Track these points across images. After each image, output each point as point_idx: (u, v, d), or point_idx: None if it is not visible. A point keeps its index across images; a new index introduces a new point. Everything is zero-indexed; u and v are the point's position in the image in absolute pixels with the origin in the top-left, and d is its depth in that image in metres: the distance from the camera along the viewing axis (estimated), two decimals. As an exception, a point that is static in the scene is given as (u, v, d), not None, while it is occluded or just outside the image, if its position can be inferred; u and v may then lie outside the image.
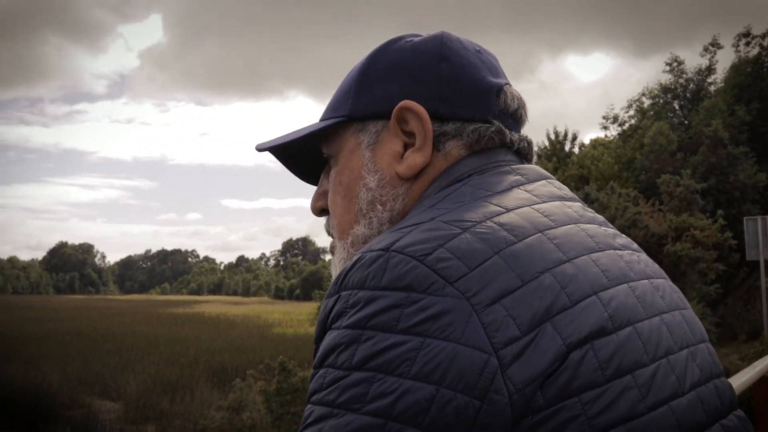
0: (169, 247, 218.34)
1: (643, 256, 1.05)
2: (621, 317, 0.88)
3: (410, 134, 1.07)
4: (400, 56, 1.11)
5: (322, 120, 1.17)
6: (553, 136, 33.71)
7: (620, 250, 0.99)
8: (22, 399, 16.05)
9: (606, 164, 29.06)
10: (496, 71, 1.14)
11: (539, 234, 0.90)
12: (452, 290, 0.80)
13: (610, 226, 1.06)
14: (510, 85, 1.14)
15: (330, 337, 0.84)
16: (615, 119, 34.74)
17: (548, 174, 1.09)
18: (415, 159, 1.06)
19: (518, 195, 0.98)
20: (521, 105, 1.14)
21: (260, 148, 1.23)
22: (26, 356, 20.19)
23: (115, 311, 48.70)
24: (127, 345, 24.06)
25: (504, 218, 0.91)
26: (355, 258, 0.88)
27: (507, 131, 1.09)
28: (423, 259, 0.82)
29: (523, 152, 1.13)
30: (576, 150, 33.57)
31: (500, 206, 0.94)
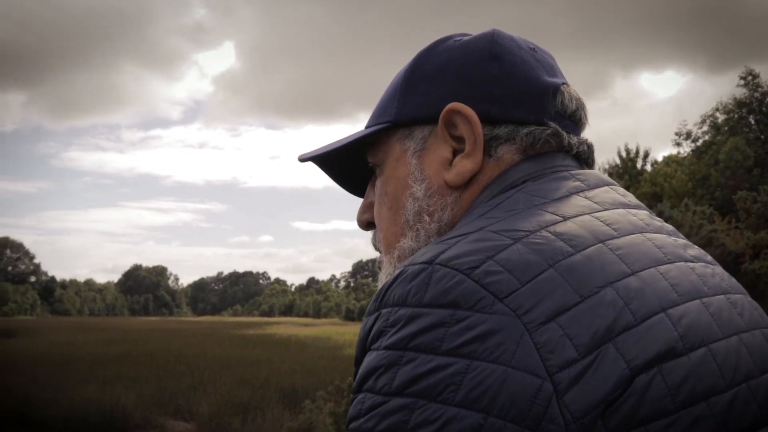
0: (240, 269, 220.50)
1: (719, 269, 0.95)
2: (693, 337, 0.79)
3: (459, 139, 1.00)
4: (448, 56, 1.04)
5: (367, 127, 1.10)
6: (624, 154, 33.21)
7: (692, 262, 0.91)
8: (98, 419, 16.39)
9: (679, 181, 28.54)
10: (553, 70, 1.06)
11: (600, 244, 0.83)
12: (502, 307, 0.73)
13: (681, 236, 0.98)
14: (568, 85, 1.06)
15: (369, 359, 0.77)
16: (688, 135, 34.24)
17: (610, 180, 1.01)
18: (464, 165, 0.99)
19: (577, 202, 0.91)
20: (580, 106, 1.06)
21: (303, 159, 1.16)
22: (103, 377, 20.61)
23: (188, 333, 49.37)
24: (199, 366, 24.34)
25: (561, 227, 0.83)
26: (396, 272, 0.81)
27: (564, 134, 1.01)
28: (470, 273, 0.76)
29: (582, 156, 1.05)
30: (648, 167, 32.99)
31: (557, 214, 0.86)
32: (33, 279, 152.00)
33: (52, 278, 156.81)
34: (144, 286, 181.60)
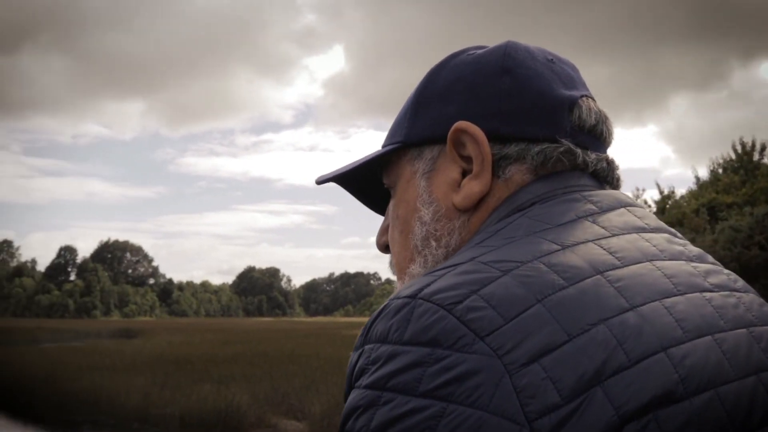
0: (351, 270, 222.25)
1: (748, 297, 0.85)
2: (697, 379, 0.71)
3: (469, 159, 0.94)
4: (460, 71, 0.98)
5: (383, 147, 1.05)
6: (739, 147, 32.07)
7: (711, 291, 0.82)
8: (213, 417, 16.75)
9: (801, 175, 27.35)
10: (572, 82, 0.99)
11: (598, 276, 0.75)
12: (482, 346, 0.68)
13: (707, 260, 0.89)
14: (588, 97, 0.99)
15: (351, 398, 0.73)
16: (810, 127, 32.65)
17: (629, 200, 0.94)
18: (472, 187, 0.93)
19: (583, 228, 0.84)
20: (601, 119, 0.98)
21: (319, 181, 1.12)
22: (218, 376, 21.04)
23: (300, 333, 50.07)
24: (311, 366, 24.61)
25: (556, 258, 0.77)
26: (381, 306, 0.77)
27: (579, 151, 0.94)
28: (451, 309, 0.70)
29: (601, 174, 0.97)
30: (766, 161, 31.75)
31: (555, 243, 0.80)
32: (152, 281, 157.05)
33: (170, 280, 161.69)
34: (258, 288, 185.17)
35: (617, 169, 1.00)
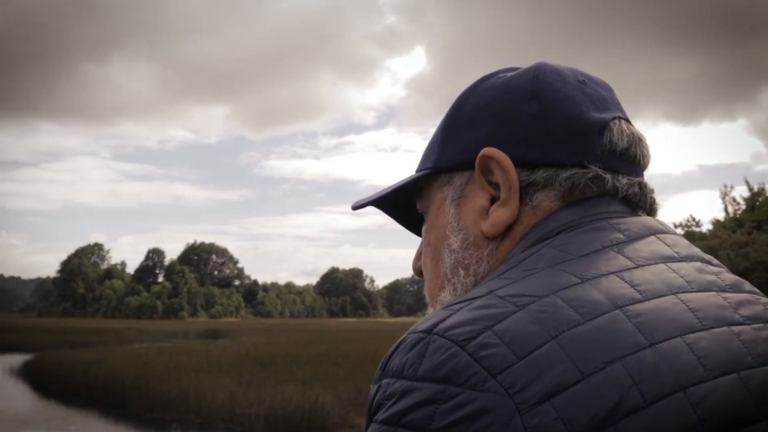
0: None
1: None
2: (718, 419, 0.67)
3: (497, 186, 0.92)
4: (488, 96, 0.96)
5: (416, 171, 1.04)
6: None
7: (741, 324, 0.76)
8: (298, 417, 16.87)
9: None
10: (604, 104, 0.95)
11: (616, 311, 0.72)
12: (494, 384, 0.67)
13: (744, 288, 0.83)
14: (621, 119, 0.95)
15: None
16: None
17: (661, 227, 0.90)
18: (499, 215, 0.91)
19: (607, 259, 0.80)
20: (634, 141, 0.95)
21: (355, 207, 1.11)
22: (302, 377, 21.21)
23: (383, 333, 50.15)
24: (394, 367, 24.65)
25: (573, 292, 0.74)
26: (399, 339, 0.75)
27: (608, 176, 0.91)
28: (465, 345, 0.69)
29: (633, 200, 0.93)
30: None
31: (576, 275, 0.76)
32: (237, 283, 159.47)
33: (255, 282, 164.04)
34: (341, 288, 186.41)
35: (651, 193, 0.96)
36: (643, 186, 0.95)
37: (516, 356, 0.68)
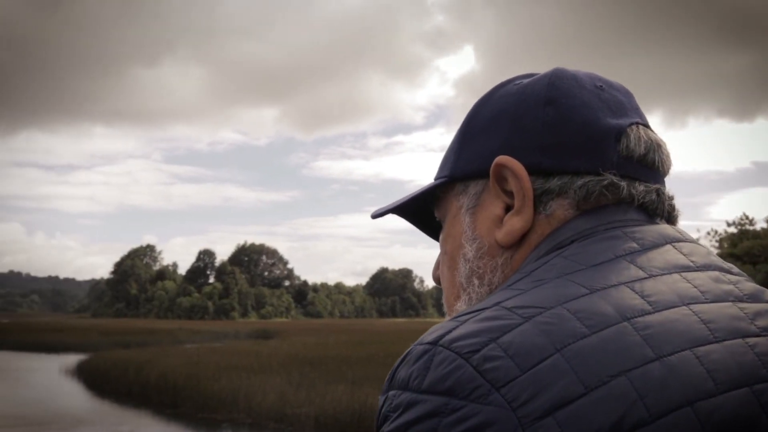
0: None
1: None
2: None
3: (512, 194, 0.90)
4: (504, 103, 0.95)
5: (434, 179, 1.02)
6: None
7: (757, 336, 0.74)
8: (347, 417, 16.91)
9: None
10: (622, 109, 0.93)
11: (624, 323, 0.71)
12: (497, 397, 0.66)
13: (765, 298, 0.80)
14: (639, 125, 0.93)
15: None
16: None
17: (679, 235, 0.87)
18: (513, 224, 0.90)
19: (618, 269, 0.78)
20: (653, 147, 0.92)
21: (375, 215, 1.11)
22: (352, 377, 21.25)
23: (433, 334, 49.99)
24: (444, 367, 24.60)
25: (580, 303, 0.72)
26: (406, 351, 0.75)
27: (623, 183, 0.89)
28: (469, 357, 0.69)
29: (650, 207, 0.91)
30: None
31: (584, 286, 0.75)
32: (287, 283, 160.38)
33: (305, 282, 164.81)
34: (391, 289, 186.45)
35: (669, 200, 0.94)
36: (660, 193, 0.92)
37: (520, 369, 0.67)
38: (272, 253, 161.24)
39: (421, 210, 1.08)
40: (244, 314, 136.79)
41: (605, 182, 0.88)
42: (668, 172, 0.96)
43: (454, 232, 0.98)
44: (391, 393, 0.73)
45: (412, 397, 0.70)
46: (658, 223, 0.90)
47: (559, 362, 0.67)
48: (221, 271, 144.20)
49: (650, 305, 0.73)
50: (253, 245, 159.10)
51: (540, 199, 0.89)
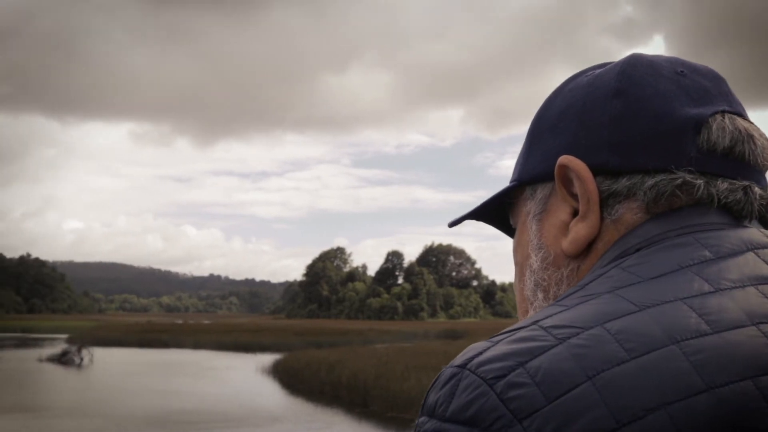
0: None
1: None
2: None
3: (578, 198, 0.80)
4: (572, 98, 0.84)
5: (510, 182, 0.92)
6: None
7: None
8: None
9: None
10: (706, 96, 0.80)
11: (671, 347, 0.61)
12: (519, 430, 0.59)
13: None
14: (726, 113, 0.79)
15: None
16: None
17: (764, 239, 0.74)
18: (578, 231, 0.79)
19: (680, 282, 0.68)
20: (741, 138, 0.77)
21: (452, 224, 1.03)
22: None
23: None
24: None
25: (624, 322, 0.63)
26: (438, 373, 0.69)
27: (699, 182, 0.76)
28: (494, 384, 0.62)
29: (735, 208, 0.77)
30: None
31: (634, 302, 0.66)
32: (475, 283, 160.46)
33: (493, 282, 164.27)
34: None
35: (762, 199, 0.78)
36: (749, 190, 0.77)
37: (546, 398, 0.60)
38: (460, 254, 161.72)
39: (504, 215, 0.96)
40: (433, 314, 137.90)
41: (678, 181, 0.76)
42: (767, 165, 0.80)
43: (523, 241, 0.88)
44: (421, 419, 0.68)
45: (437, 426, 0.64)
46: (746, 227, 0.76)
47: (589, 392, 0.59)
48: (410, 272, 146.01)
49: (708, 324, 0.62)
50: (440, 246, 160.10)
51: (607, 203, 0.78)
